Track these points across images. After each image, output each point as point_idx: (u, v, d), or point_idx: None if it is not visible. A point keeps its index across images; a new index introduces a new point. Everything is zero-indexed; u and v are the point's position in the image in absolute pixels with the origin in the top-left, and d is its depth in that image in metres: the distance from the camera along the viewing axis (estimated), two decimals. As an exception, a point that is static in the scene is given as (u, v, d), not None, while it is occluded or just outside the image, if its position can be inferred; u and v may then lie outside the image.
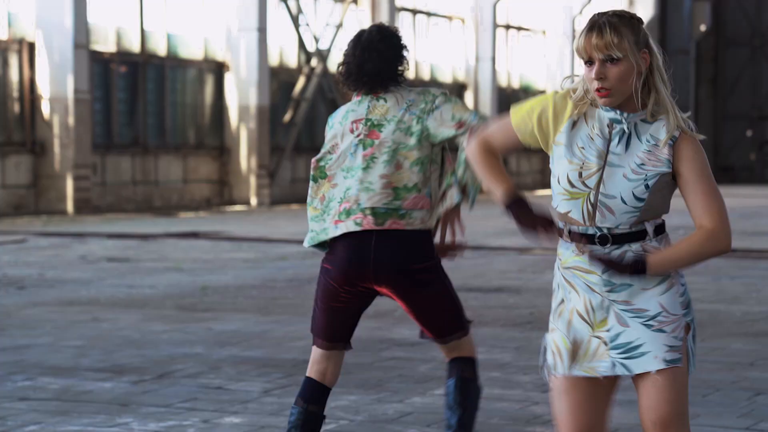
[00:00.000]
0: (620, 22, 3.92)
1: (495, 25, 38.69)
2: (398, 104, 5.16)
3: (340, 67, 5.32)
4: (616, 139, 4.01)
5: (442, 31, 38.34)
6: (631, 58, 3.91)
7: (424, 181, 5.13)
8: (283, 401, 7.46)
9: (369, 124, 5.14)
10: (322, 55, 32.65)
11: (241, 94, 30.47)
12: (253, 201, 30.44)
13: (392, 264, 5.03)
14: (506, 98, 40.40)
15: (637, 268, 3.97)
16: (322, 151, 5.22)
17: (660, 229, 4.05)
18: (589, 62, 3.92)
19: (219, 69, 30.90)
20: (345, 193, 5.07)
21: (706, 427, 6.77)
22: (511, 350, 9.42)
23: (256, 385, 7.96)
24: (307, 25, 32.44)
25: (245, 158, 30.55)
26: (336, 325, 5.20)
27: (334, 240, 5.10)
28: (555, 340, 4.13)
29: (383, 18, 34.25)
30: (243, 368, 8.56)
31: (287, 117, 32.30)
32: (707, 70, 49.42)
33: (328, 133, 5.24)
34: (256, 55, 30.29)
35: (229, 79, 30.75)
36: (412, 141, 5.10)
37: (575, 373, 4.07)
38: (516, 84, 41.81)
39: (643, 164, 3.98)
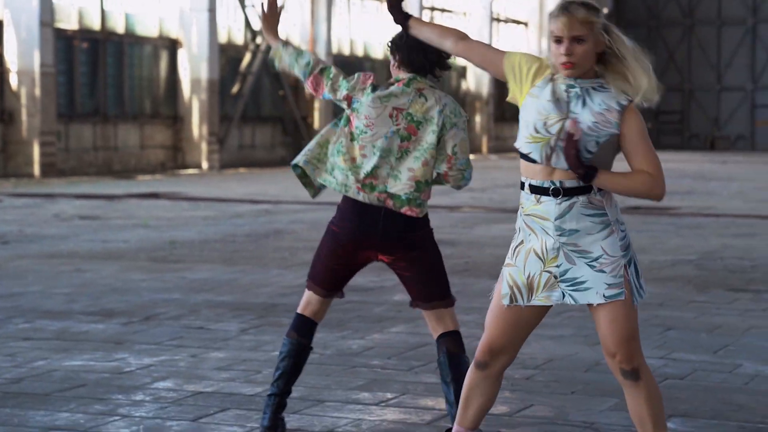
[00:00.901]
0: (586, 9, 4.27)
1: (421, 7, 38.84)
2: (436, 104, 5.14)
3: (393, 48, 5.23)
4: (574, 101, 4.34)
5: (375, 10, 38.43)
6: (593, 39, 4.28)
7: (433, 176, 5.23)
8: (259, 338, 7.71)
9: (409, 118, 5.12)
10: (266, 33, 32.71)
11: (193, 69, 30.51)
12: (204, 165, 30.50)
13: (398, 235, 5.15)
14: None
15: (588, 173, 4.27)
16: (354, 120, 5.17)
17: None
18: (557, 40, 4.27)
19: (173, 45, 30.86)
20: (374, 169, 5.11)
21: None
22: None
23: (233, 326, 8.20)
24: (253, 6, 32.47)
25: (197, 126, 30.60)
26: (336, 280, 5.34)
27: (347, 203, 5.19)
28: (512, 274, 4.44)
29: (321, 1, 34.38)
30: (219, 311, 8.78)
31: (235, 89, 32.40)
32: (610, 48, 49.82)
33: (361, 104, 5.16)
34: (207, 33, 30.34)
35: (182, 54, 30.73)
36: (436, 143, 5.14)
37: (534, 303, 4.41)
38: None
39: (597, 123, 4.32)
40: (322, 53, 34.58)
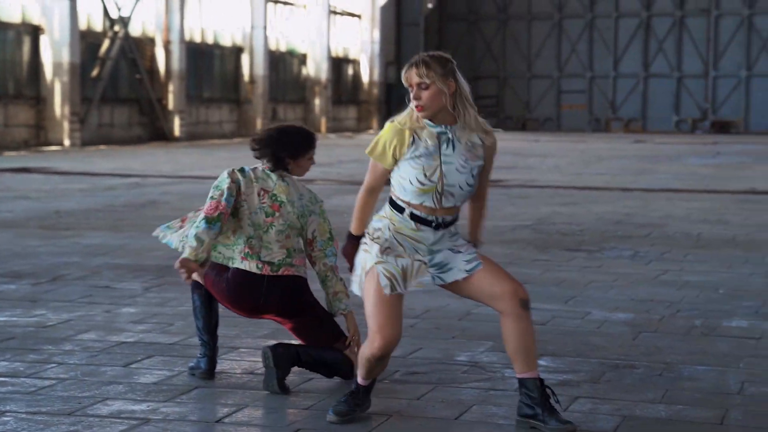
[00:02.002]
0: (431, 59, 4.61)
1: (265, 1, 38.77)
2: (295, 191, 5.41)
3: (257, 140, 5.50)
4: (444, 145, 4.64)
5: (224, 2, 38.11)
6: (438, 84, 4.58)
7: (302, 247, 5.50)
8: (163, 296, 7.73)
9: (273, 198, 5.38)
10: (124, 22, 32.26)
11: (55, 53, 29.73)
12: (66, 142, 29.80)
13: (281, 299, 5.41)
14: (275, 60, 40.59)
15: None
16: (229, 195, 5.35)
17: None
18: (410, 88, 4.60)
19: (35, 31, 29.98)
20: (249, 239, 5.38)
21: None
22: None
23: (136, 285, 8.18)
24: (111, -5, 32.09)
25: (59, 106, 29.85)
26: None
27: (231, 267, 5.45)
28: (387, 269, 4.66)
29: (174, -9, 33.98)
30: (119, 272, 8.74)
31: (95, 72, 31.74)
32: (433, 39, 50.48)
33: (239, 183, 5.40)
34: (68, 20, 29.59)
35: (44, 40, 29.89)
36: (297, 224, 5.42)
37: (410, 289, 4.70)
38: (283, 48, 41.89)
39: (467, 160, 4.64)
40: (175, 41, 34.21)
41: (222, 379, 5.50)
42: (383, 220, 4.69)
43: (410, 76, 4.57)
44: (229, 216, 5.38)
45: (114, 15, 32.22)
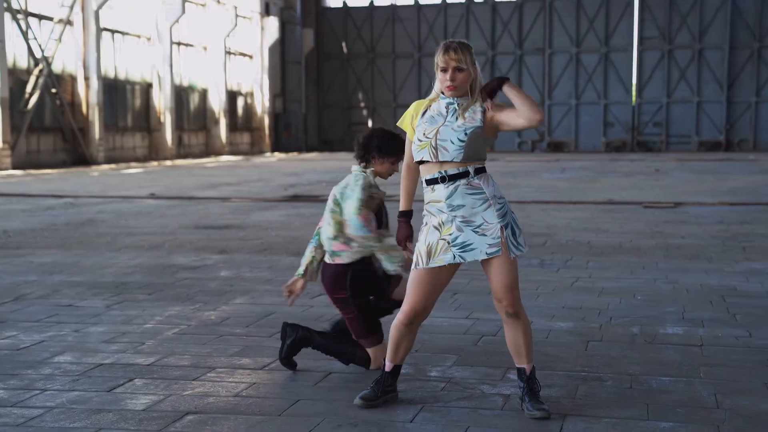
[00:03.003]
0: (464, 47, 4.40)
1: (171, 42, 37.32)
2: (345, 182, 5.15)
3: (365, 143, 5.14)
4: (450, 114, 4.45)
5: (135, 43, 36.64)
6: (470, 69, 4.42)
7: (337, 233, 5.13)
8: (126, 313, 6.81)
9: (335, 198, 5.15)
10: (47, 61, 30.68)
11: (-14, 89, 28.06)
12: (-2, 167, 28.16)
13: (324, 286, 5.22)
14: (180, 93, 39.23)
15: (501, 80, 4.42)
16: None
17: (479, 171, 4.44)
18: (444, 69, 4.39)
19: (-33, 69, 28.28)
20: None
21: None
22: (266, 269, 8.99)
23: (98, 302, 7.23)
24: (35, 38, 30.40)
25: (-9, 136, 28.17)
26: None
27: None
28: (417, 246, 4.50)
29: (91, 36, 32.47)
30: (79, 290, 7.76)
31: (22, 106, 30.05)
32: (312, 75, 49.80)
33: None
34: (-2, 59, 27.98)
35: (-24, 76, 28.20)
36: (336, 209, 5.13)
37: (432, 265, 4.44)
38: (186, 83, 40.44)
39: (464, 122, 4.41)
40: (93, 77, 32.70)
41: (210, 403, 4.63)
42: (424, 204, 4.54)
43: (448, 59, 4.36)
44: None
45: (38, 54, 30.59)
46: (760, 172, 25.48)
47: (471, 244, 4.37)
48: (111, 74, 35.25)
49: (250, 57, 46.14)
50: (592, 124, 46.30)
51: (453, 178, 4.38)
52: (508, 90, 4.37)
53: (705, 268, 8.89)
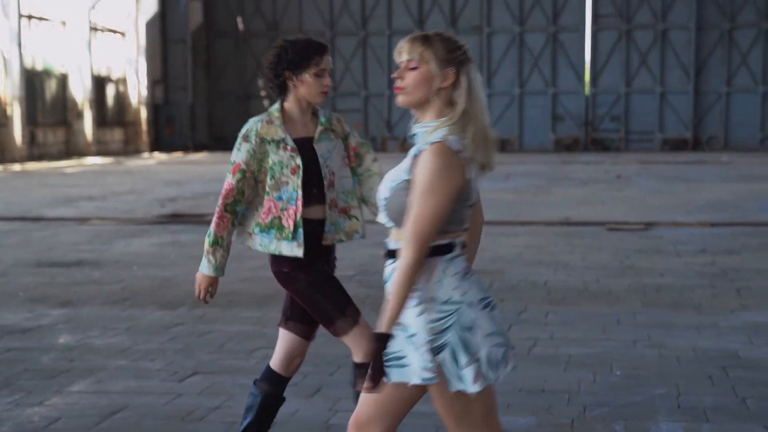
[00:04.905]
0: (435, 37, 3.46)
1: (20, 15, 35.88)
2: None
3: None
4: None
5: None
6: (433, 68, 3.41)
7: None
8: None
9: None
10: None
11: None
12: None
13: None
14: (32, 79, 37.82)
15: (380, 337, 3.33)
16: None
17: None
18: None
19: None
20: None
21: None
22: (122, 333, 8.01)
23: None
24: None
25: None
26: None
27: None
28: None
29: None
30: None
31: None
32: (202, 57, 48.66)
33: None
34: None
35: None
36: None
37: None
38: (40, 67, 38.98)
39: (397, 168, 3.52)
40: None
41: None
42: None
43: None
44: None
45: None
46: (738, 179, 25.24)
47: (404, 357, 3.41)
48: None
49: (122, 34, 44.77)
50: (539, 118, 46.03)
51: (392, 255, 3.48)
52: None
53: (695, 322, 8.22)
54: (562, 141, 45.83)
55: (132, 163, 36.62)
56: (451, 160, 3.33)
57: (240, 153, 4.40)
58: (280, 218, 4.40)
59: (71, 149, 40.17)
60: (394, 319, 3.31)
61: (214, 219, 4.46)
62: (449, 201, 3.32)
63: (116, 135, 44.09)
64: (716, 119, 45.17)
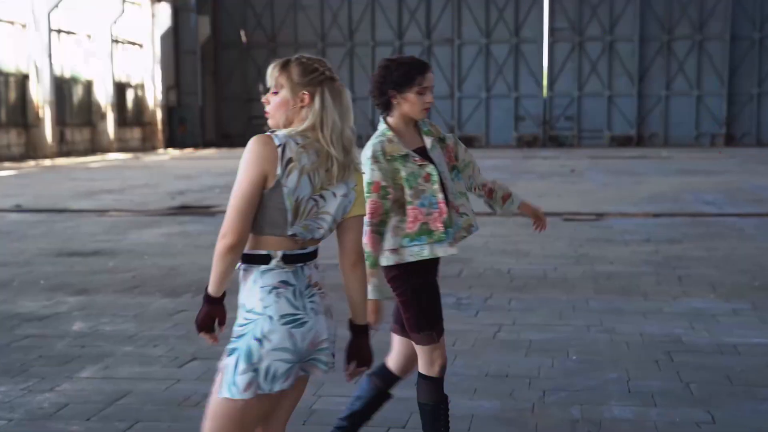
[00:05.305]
0: (293, 62, 3.16)
1: (50, 30, 35.33)
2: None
3: None
4: None
5: (8, 30, 34.51)
6: (286, 94, 3.14)
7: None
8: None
9: None
10: None
11: None
12: None
13: None
14: (62, 86, 37.28)
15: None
16: None
17: (245, 258, 3.12)
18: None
19: None
20: None
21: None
22: (130, 319, 7.71)
23: None
24: None
25: None
26: None
27: None
28: None
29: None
30: None
31: None
32: (209, 66, 48.13)
33: None
34: None
35: None
36: None
37: None
38: (68, 75, 38.43)
39: None
40: None
41: None
42: None
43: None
44: None
45: None
46: (675, 173, 25.00)
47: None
48: None
49: (140, 46, 44.25)
50: (503, 118, 45.72)
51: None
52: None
53: (642, 308, 7.95)
54: (523, 138, 45.54)
55: (149, 158, 36.20)
56: (263, 148, 3.03)
57: (375, 173, 3.95)
58: (427, 223, 3.99)
59: (96, 146, 39.71)
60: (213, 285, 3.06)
61: (367, 242, 3.92)
62: (251, 184, 3.01)
63: (135, 134, 43.62)
64: (657, 119, 45.00)
